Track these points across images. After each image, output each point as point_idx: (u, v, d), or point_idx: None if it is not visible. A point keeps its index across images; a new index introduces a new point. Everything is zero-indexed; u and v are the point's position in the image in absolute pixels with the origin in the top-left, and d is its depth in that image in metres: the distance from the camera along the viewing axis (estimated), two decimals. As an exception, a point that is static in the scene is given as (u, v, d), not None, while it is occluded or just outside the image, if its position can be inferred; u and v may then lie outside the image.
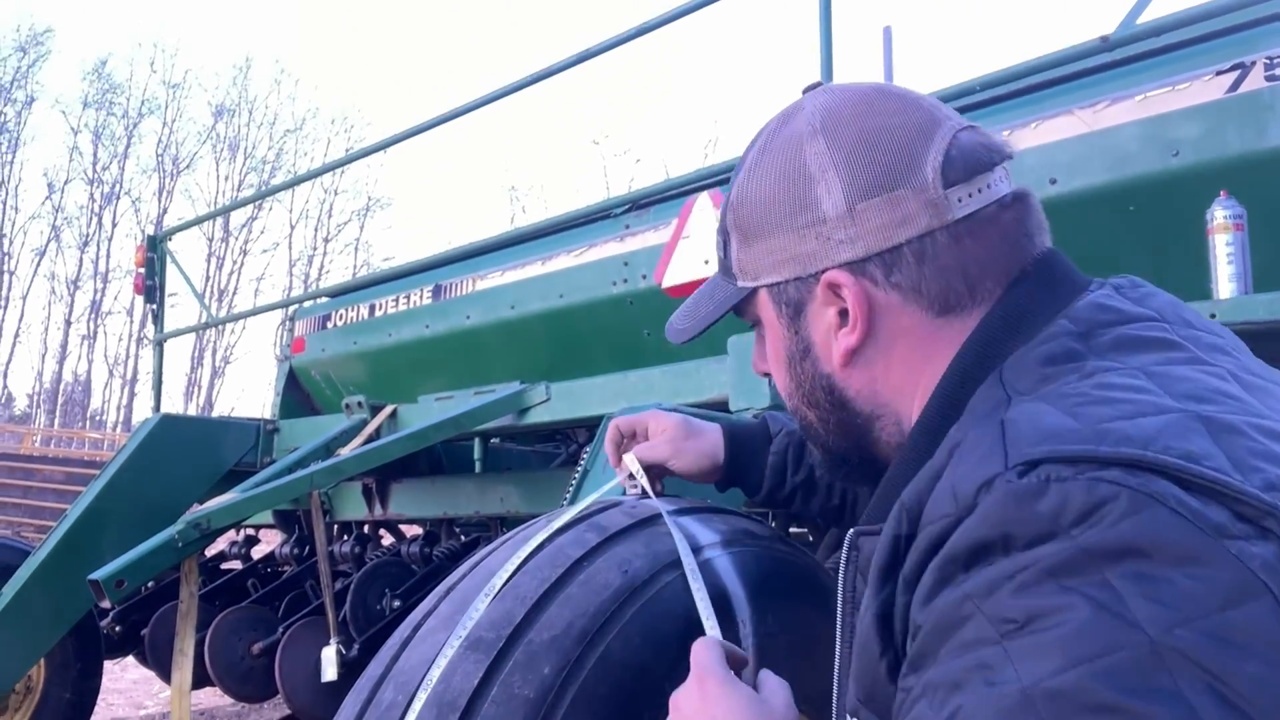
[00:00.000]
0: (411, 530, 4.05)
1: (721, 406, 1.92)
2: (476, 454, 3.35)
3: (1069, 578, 0.52)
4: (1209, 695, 0.47)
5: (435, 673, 0.92)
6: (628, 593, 1.01)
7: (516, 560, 1.04)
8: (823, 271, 0.81)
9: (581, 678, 0.92)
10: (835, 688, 0.87)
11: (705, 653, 0.85)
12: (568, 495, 1.52)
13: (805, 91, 0.89)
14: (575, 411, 2.46)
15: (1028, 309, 0.76)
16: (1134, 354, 0.67)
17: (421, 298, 3.85)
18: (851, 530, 0.84)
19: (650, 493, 1.24)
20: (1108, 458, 0.55)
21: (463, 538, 3.51)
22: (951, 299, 0.78)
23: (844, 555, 0.84)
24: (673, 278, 2.99)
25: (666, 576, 1.05)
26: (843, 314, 0.81)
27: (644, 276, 3.08)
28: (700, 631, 1.03)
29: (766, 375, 0.99)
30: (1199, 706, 0.46)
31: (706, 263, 2.92)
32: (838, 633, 0.85)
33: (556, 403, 2.52)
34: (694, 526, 1.14)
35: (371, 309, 4.06)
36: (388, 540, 3.98)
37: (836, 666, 0.86)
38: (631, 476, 1.26)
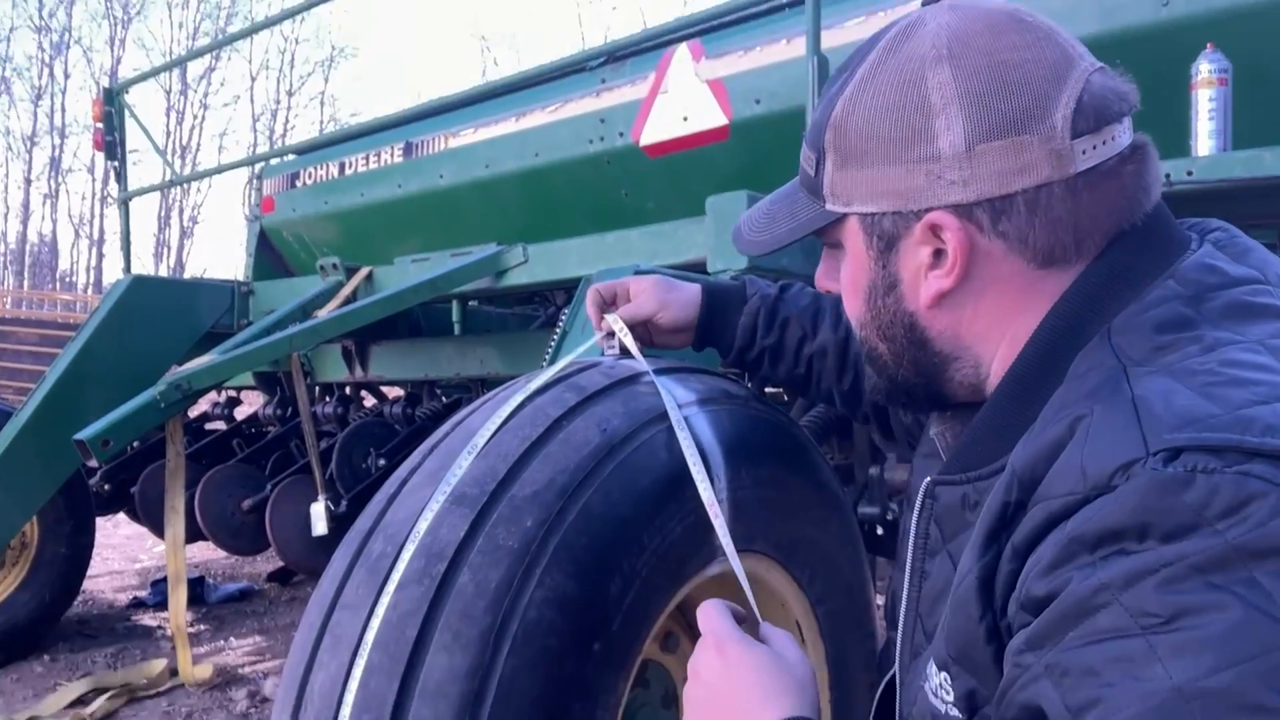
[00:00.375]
0: (393, 392, 4.10)
1: (700, 268, 1.92)
2: (455, 316, 3.35)
3: (1217, 575, 0.52)
4: None
5: (423, 525, 0.96)
6: (606, 450, 1.04)
7: (498, 419, 1.07)
8: (926, 210, 0.76)
9: (562, 530, 0.96)
10: (902, 621, 0.88)
11: (716, 617, 0.87)
12: (547, 356, 1.53)
13: (925, 3, 0.82)
14: (553, 273, 2.46)
15: (1132, 267, 0.73)
16: (1248, 323, 0.67)
17: (392, 156, 3.75)
18: (929, 479, 0.84)
19: (634, 351, 1.25)
20: (1255, 449, 0.55)
21: (444, 399, 3.56)
22: (1057, 253, 0.75)
23: (919, 502, 0.85)
24: (651, 135, 2.93)
25: (644, 434, 1.08)
26: (937, 254, 0.77)
27: (621, 134, 3.01)
28: (681, 484, 1.07)
29: (829, 291, 0.95)
30: None
31: (685, 119, 2.85)
32: (906, 575, 0.87)
33: (534, 264, 2.51)
34: (672, 385, 1.16)
35: (341, 167, 3.96)
36: (370, 402, 4.03)
37: (903, 609, 0.88)
38: (610, 336, 1.27)
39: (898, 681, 0.89)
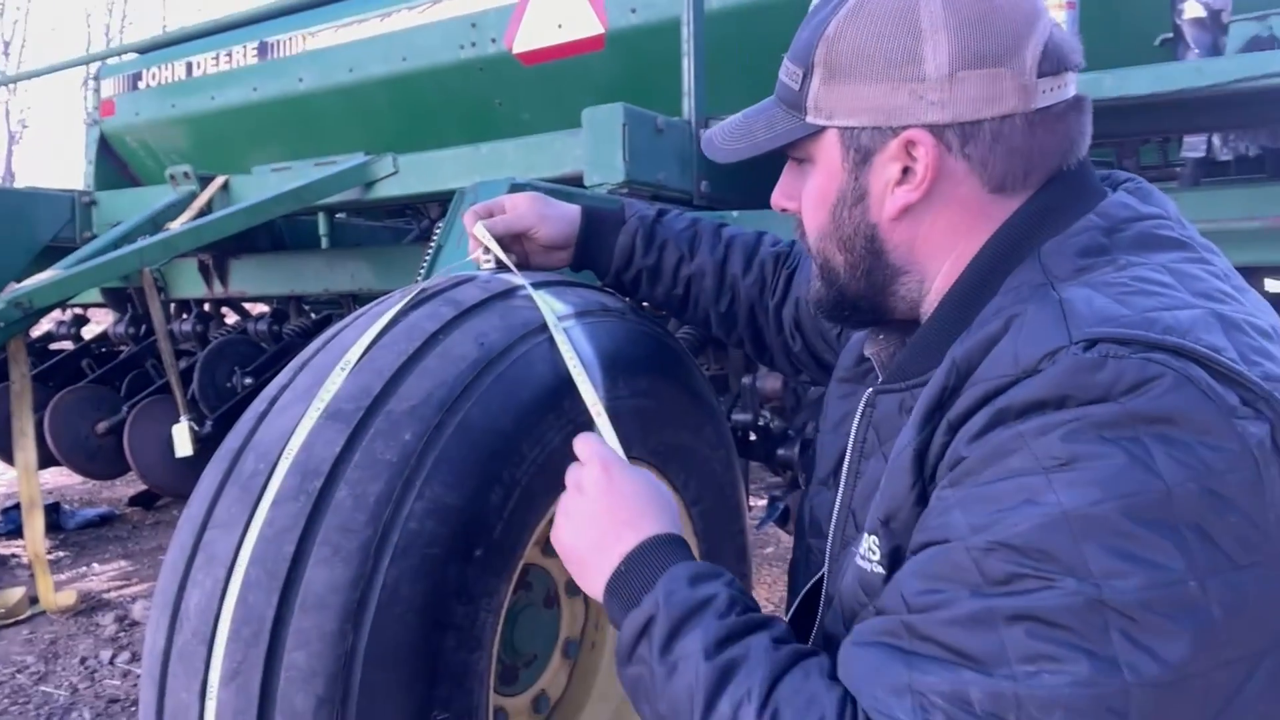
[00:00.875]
0: (256, 308, 3.93)
1: (576, 181, 1.90)
2: (322, 229, 3.22)
3: (1109, 431, 0.65)
4: (1197, 533, 0.62)
5: (296, 442, 0.94)
6: (485, 363, 1.04)
7: (371, 334, 1.05)
8: (904, 128, 0.82)
9: (441, 442, 0.97)
10: (834, 517, 0.96)
11: (596, 443, 0.98)
12: (421, 271, 1.50)
13: None
14: (426, 185, 2.38)
15: (1063, 204, 0.83)
16: (1154, 251, 0.78)
17: (245, 56, 3.51)
18: (870, 389, 0.93)
19: (508, 263, 1.25)
20: (1156, 342, 0.66)
21: (313, 315, 3.44)
22: (1007, 181, 0.83)
23: (860, 410, 0.94)
24: (524, 43, 2.84)
25: (522, 348, 1.09)
26: (905, 171, 0.84)
27: (494, 40, 2.91)
28: (559, 396, 1.08)
29: (784, 211, 0.98)
30: (1189, 539, 0.62)
31: (560, 26, 2.78)
32: (843, 476, 0.95)
33: (405, 175, 2.42)
34: (549, 298, 1.17)
35: (189, 68, 3.68)
36: (232, 319, 3.85)
37: (838, 503, 0.96)
38: (487, 251, 1.26)
39: (825, 572, 0.96)
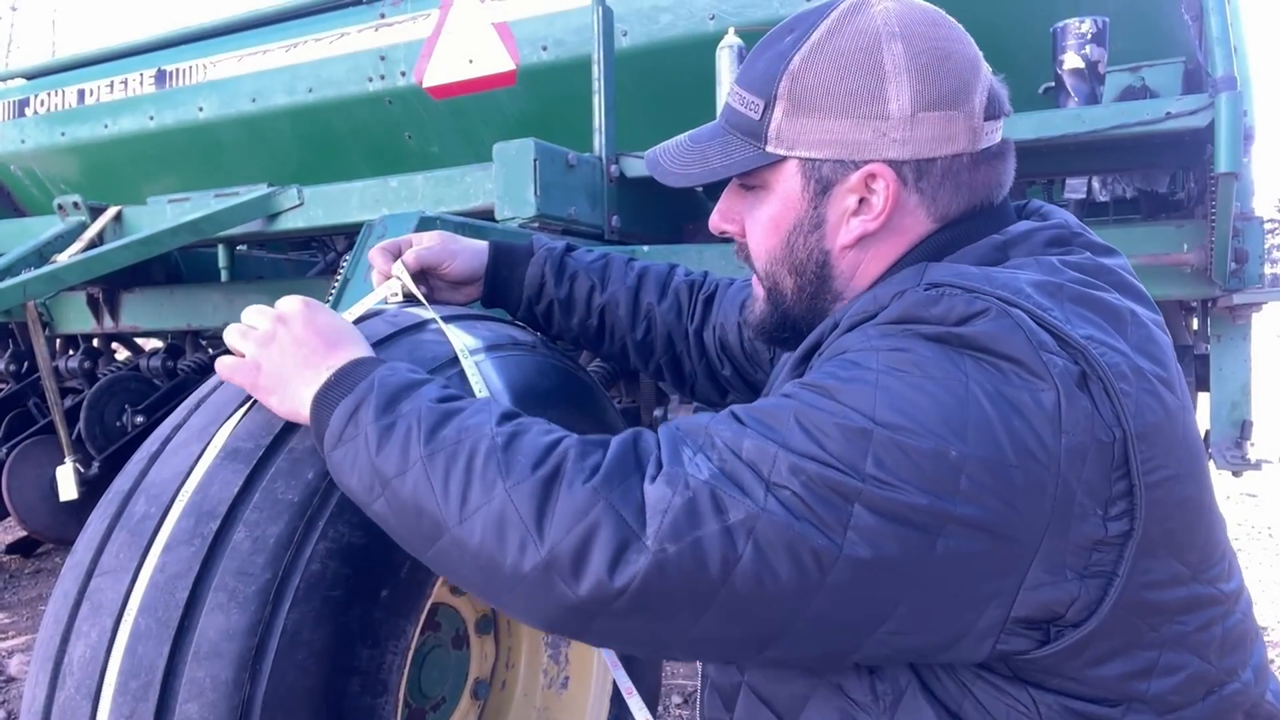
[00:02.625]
0: (149, 344, 3.77)
1: (487, 215, 1.89)
2: (222, 262, 3.12)
3: (935, 343, 0.76)
4: (989, 440, 0.71)
5: (191, 483, 0.91)
6: (392, 399, 1.02)
7: (274, 370, 1.02)
8: (866, 162, 0.88)
9: (347, 481, 0.94)
10: None
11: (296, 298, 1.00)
12: (328, 304, 1.47)
13: None
14: (332, 218, 2.33)
15: (974, 230, 0.90)
16: (1049, 248, 0.87)
17: (143, 84, 3.40)
18: None
19: (419, 296, 1.23)
20: (990, 293, 0.77)
21: (210, 350, 3.32)
22: (950, 213, 0.91)
23: None
24: (435, 76, 2.83)
25: (431, 382, 1.07)
26: (861, 202, 0.90)
27: (403, 74, 2.89)
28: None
29: (724, 234, 1.02)
30: (982, 441, 0.71)
31: (471, 61, 2.78)
32: None
33: (311, 208, 2.37)
34: (459, 331, 1.15)
35: (81, 95, 3.54)
36: (123, 355, 3.69)
37: None
38: (395, 295, 1.24)
39: None
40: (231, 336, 0.98)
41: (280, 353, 0.93)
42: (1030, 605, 0.73)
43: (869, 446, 0.71)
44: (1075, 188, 2.32)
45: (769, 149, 0.91)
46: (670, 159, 1.01)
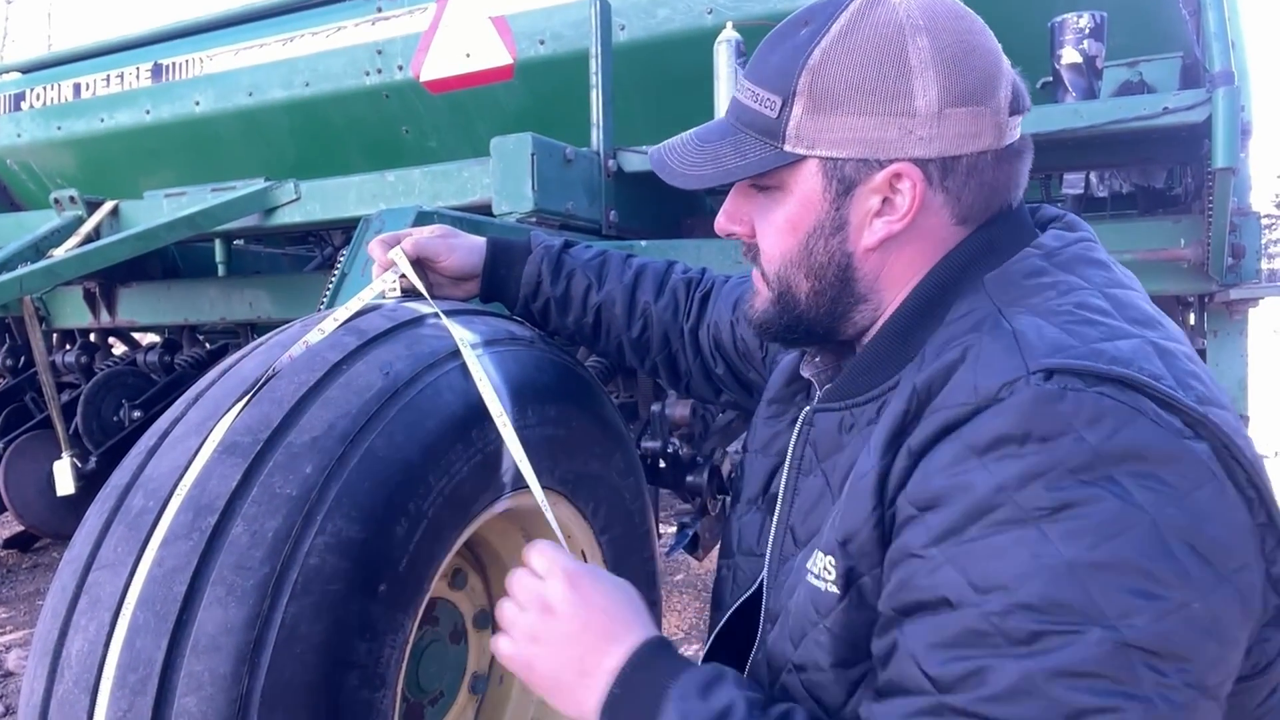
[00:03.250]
0: (147, 338, 3.76)
1: (484, 210, 1.89)
2: (219, 256, 3.12)
3: (1086, 474, 0.68)
4: (1186, 548, 0.66)
5: (189, 477, 0.91)
6: (390, 393, 1.02)
7: (273, 364, 1.02)
8: (891, 161, 0.83)
9: (344, 475, 0.94)
10: (772, 534, 0.97)
11: (555, 551, 0.93)
12: (324, 300, 1.47)
13: None
14: (329, 212, 2.33)
15: (1004, 238, 0.87)
16: (1088, 269, 0.83)
17: (139, 78, 3.39)
18: (808, 408, 0.95)
19: (417, 282, 1.23)
20: (1104, 374, 0.71)
21: (208, 345, 3.32)
22: (973, 212, 0.87)
23: (798, 428, 0.96)
24: (432, 71, 2.83)
25: (429, 377, 1.07)
26: (884, 202, 0.85)
27: (400, 68, 2.89)
28: (467, 425, 1.07)
29: (730, 235, 0.97)
30: (1181, 556, 0.66)
31: (468, 55, 2.77)
32: (781, 492, 0.96)
33: (308, 202, 2.37)
34: (458, 326, 1.15)
35: (77, 89, 3.53)
36: (120, 349, 3.68)
37: (775, 520, 0.96)
38: (400, 276, 1.24)
39: (765, 589, 0.96)
40: (503, 615, 0.93)
41: (554, 654, 0.88)
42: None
43: (1133, 661, 0.64)
44: (1073, 183, 2.32)
45: (787, 148, 0.86)
46: (678, 159, 0.95)
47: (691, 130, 0.97)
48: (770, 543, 0.97)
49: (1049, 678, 0.65)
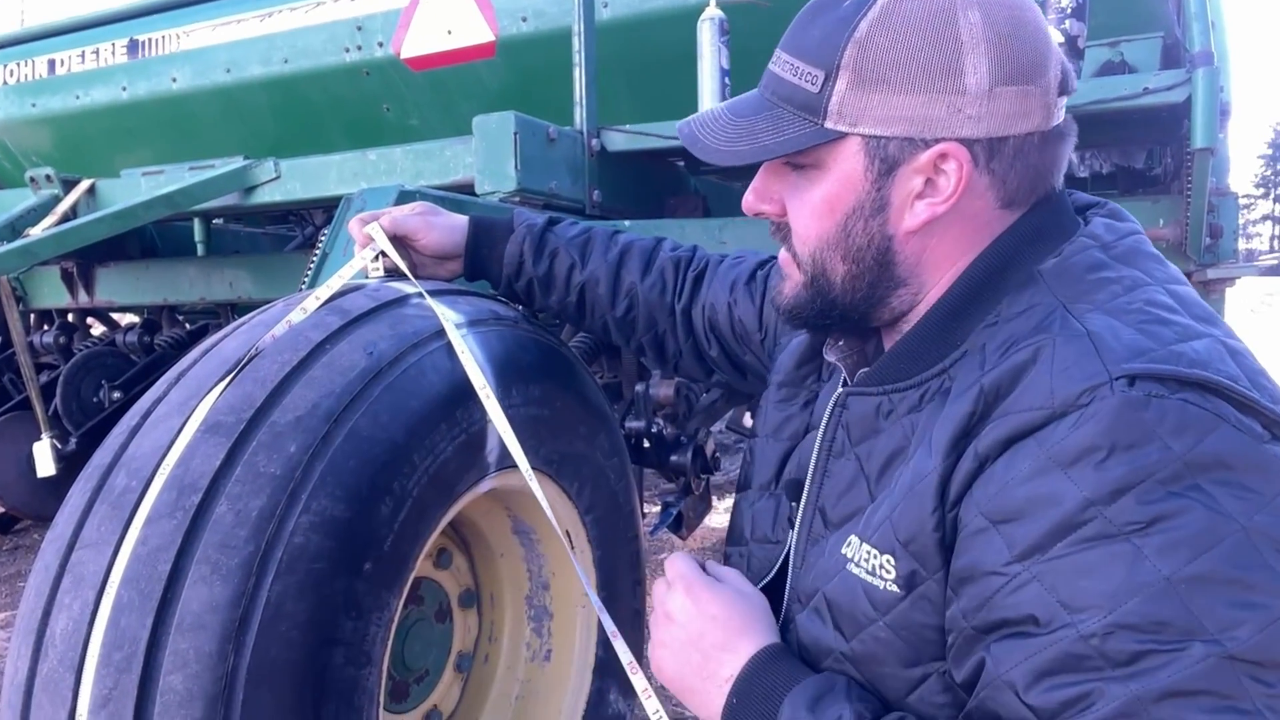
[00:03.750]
0: (125, 319, 3.73)
1: (467, 189, 1.88)
2: (198, 236, 3.08)
3: (1175, 485, 0.66)
4: (1277, 554, 0.65)
5: (172, 457, 0.90)
6: (374, 373, 1.02)
7: (256, 344, 1.02)
8: (937, 140, 0.80)
9: (329, 454, 0.94)
10: (799, 514, 0.96)
11: (682, 562, 0.96)
12: (305, 279, 1.46)
13: None
14: (310, 191, 2.31)
15: (1050, 225, 0.85)
16: (1147, 263, 0.82)
17: (114, 54, 3.33)
18: (842, 390, 0.93)
19: (401, 265, 1.23)
20: (1187, 378, 0.69)
21: (188, 326, 3.29)
22: (1018, 197, 0.84)
23: (829, 410, 0.94)
24: (413, 48, 2.79)
25: (413, 356, 1.07)
26: (927, 183, 0.82)
27: (380, 44, 2.86)
28: (452, 405, 1.07)
29: (759, 215, 0.93)
30: (1274, 564, 0.65)
31: (450, 32, 2.74)
32: (810, 473, 0.95)
33: (288, 181, 2.35)
34: (441, 306, 1.15)
35: (51, 65, 3.47)
36: (99, 329, 3.65)
37: (804, 501, 0.95)
38: (376, 258, 1.24)
39: (790, 567, 0.96)
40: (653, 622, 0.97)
41: (676, 658, 0.91)
42: None
43: (1238, 675, 0.63)
44: (1055, 163, 2.33)
45: (829, 125, 0.82)
46: (710, 134, 0.90)
47: (723, 104, 0.93)
48: (798, 523, 0.96)
49: (1157, 699, 0.63)
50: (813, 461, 0.95)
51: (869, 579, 0.82)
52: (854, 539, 0.84)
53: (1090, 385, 0.70)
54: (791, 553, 0.96)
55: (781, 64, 0.86)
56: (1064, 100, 0.85)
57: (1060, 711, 0.66)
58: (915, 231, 0.85)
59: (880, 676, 0.81)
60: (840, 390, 0.94)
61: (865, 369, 0.93)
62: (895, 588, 0.80)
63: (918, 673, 0.79)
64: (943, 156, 0.81)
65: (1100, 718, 0.64)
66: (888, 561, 0.80)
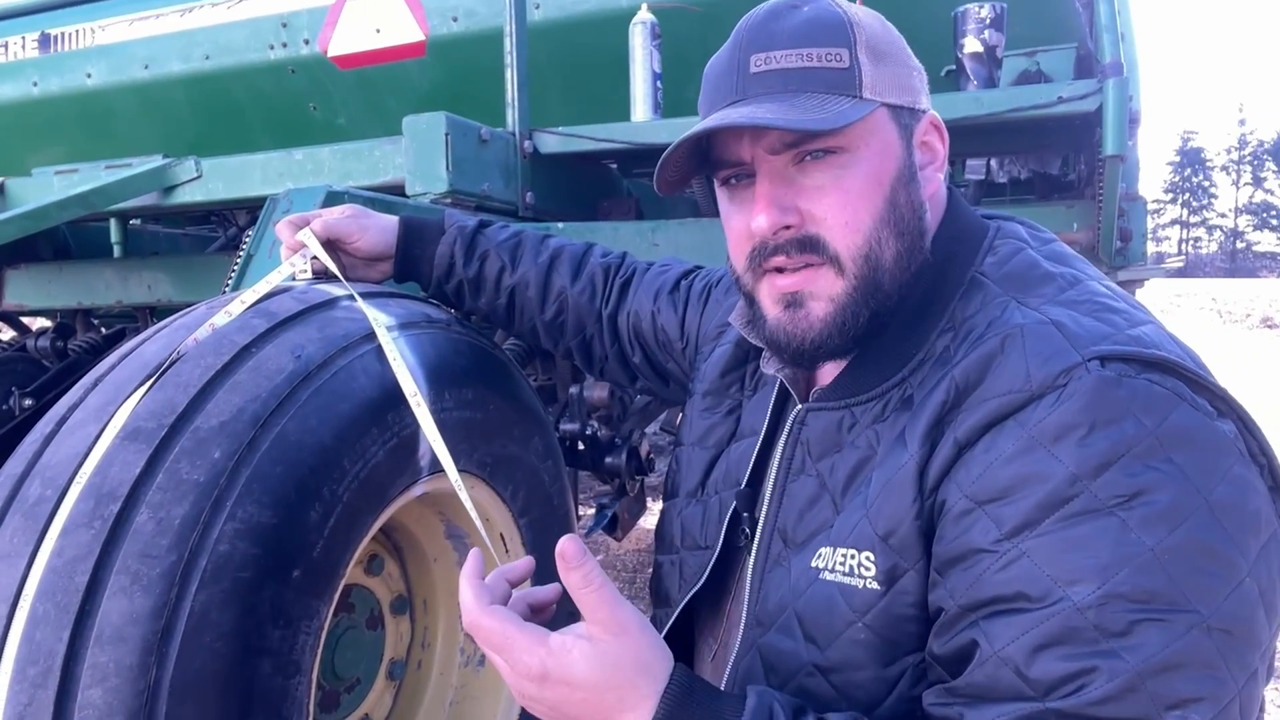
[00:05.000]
0: (37, 323, 3.58)
1: (397, 190, 1.86)
2: (115, 237, 2.97)
3: (1151, 459, 0.69)
4: (1236, 524, 0.69)
5: (90, 465, 0.87)
6: (301, 377, 1.00)
7: (177, 348, 0.99)
8: (924, 110, 0.88)
9: (255, 460, 0.92)
10: (757, 539, 0.93)
11: (504, 630, 0.76)
12: (229, 282, 1.42)
13: None
14: (233, 191, 2.25)
15: (969, 223, 0.91)
16: (1074, 260, 0.88)
17: (25, 48, 3.20)
18: (800, 407, 0.92)
19: (329, 263, 1.21)
20: (1150, 359, 0.73)
21: (104, 330, 3.17)
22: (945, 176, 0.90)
23: (788, 428, 0.93)
24: (341, 46, 2.75)
25: (342, 360, 1.06)
26: (928, 151, 0.88)
27: (306, 42, 2.80)
28: (382, 409, 1.05)
29: (783, 230, 0.84)
30: (1234, 533, 0.68)
31: (378, 31, 2.71)
32: (768, 492, 0.93)
33: (210, 181, 2.28)
34: (373, 309, 1.14)
35: (-45, 58, 3.32)
36: (8, 334, 3.50)
37: (762, 523, 0.93)
38: (304, 259, 1.22)
39: (747, 589, 0.92)
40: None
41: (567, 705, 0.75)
42: None
43: (1215, 644, 0.67)
44: (975, 169, 2.41)
45: (867, 96, 0.83)
46: (753, 114, 0.81)
47: (742, 101, 0.85)
48: (755, 547, 0.94)
49: (1154, 673, 0.66)
50: (770, 482, 0.94)
51: (847, 580, 0.82)
52: (824, 550, 0.84)
53: (1066, 367, 0.73)
54: (750, 575, 0.94)
55: (783, 58, 0.83)
56: None
57: (1059, 685, 0.68)
58: (932, 197, 0.90)
59: (855, 683, 0.80)
60: (799, 408, 0.94)
61: (821, 386, 0.93)
62: (876, 584, 0.80)
63: (895, 671, 0.79)
64: (934, 124, 0.89)
65: (1103, 694, 0.66)
66: (867, 559, 0.80)
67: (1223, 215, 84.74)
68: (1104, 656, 0.67)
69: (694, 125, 0.85)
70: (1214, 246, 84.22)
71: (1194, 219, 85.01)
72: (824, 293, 0.86)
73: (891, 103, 0.85)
